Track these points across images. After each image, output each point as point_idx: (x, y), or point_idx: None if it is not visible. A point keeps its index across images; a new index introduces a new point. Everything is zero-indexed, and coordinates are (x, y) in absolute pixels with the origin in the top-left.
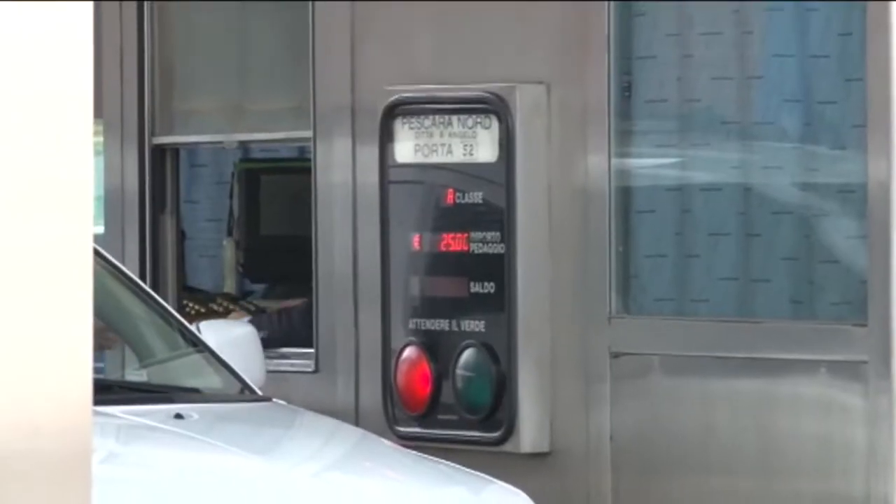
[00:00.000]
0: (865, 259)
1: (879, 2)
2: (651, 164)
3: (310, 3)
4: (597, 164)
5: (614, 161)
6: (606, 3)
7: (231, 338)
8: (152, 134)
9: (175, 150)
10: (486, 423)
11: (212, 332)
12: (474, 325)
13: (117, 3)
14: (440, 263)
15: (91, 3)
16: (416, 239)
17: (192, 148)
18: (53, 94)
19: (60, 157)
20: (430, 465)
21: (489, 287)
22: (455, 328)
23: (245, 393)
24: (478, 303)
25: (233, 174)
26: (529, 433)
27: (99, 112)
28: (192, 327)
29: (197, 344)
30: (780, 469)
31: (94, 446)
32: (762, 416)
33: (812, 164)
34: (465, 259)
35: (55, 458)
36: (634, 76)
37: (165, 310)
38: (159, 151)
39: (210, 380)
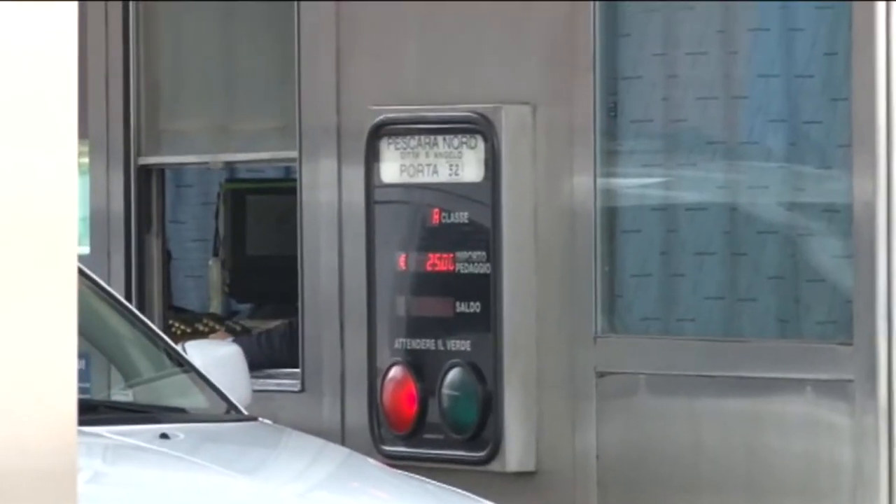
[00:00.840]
0: (851, 278)
1: (864, 23)
2: (637, 184)
3: (295, 22)
4: (582, 183)
5: (600, 181)
6: (592, 23)
7: (217, 357)
8: (138, 154)
9: (161, 170)
10: (472, 442)
11: (197, 351)
12: (460, 344)
13: (103, 24)
14: (426, 283)
15: (76, 20)
16: (401, 259)
17: (178, 168)
18: (37, 111)
19: (45, 176)
20: (416, 485)
21: (475, 307)
22: (441, 348)
23: (231, 412)
24: (464, 322)
25: (218, 194)
26: (515, 452)
27: (84, 132)
28: (178, 347)
29: (183, 364)
30: (767, 488)
31: (80, 466)
32: (748, 434)
33: (797, 184)
34: (450, 279)
35: (41, 478)
36: (620, 96)
37: (151, 330)
38: (145, 172)
39: (196, 399)
